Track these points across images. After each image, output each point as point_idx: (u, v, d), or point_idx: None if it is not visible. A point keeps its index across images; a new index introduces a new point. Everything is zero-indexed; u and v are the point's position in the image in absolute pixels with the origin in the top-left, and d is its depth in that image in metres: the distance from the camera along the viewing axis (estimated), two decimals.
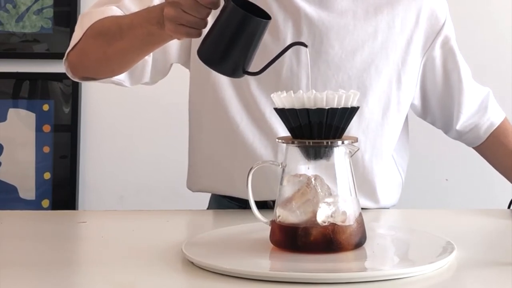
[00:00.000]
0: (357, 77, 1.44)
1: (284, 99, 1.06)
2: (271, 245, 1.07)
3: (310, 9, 1.43)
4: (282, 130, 1.38)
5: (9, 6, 2.43)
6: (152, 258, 1.06)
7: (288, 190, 1.07)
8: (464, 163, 2.28)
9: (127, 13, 1.35)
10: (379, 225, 1.34)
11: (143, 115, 2.41)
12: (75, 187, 2.42)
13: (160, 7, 1.19)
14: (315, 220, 1.03)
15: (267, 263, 1.04)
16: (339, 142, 1.06)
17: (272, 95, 1.08)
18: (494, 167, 1.61)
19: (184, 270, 1.02)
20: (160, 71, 1.48)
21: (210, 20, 1.14)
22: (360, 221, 1.06)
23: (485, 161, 1.62)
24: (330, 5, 1.44)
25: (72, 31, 1.41)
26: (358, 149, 1.08)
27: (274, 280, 0.95)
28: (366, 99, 1.44)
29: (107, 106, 2.43)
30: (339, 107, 1.04)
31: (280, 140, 1.09)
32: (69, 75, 1.42)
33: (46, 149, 2.43)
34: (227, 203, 1.52)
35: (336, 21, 1.43)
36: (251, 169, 1.10)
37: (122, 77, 1.42)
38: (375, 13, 1.46)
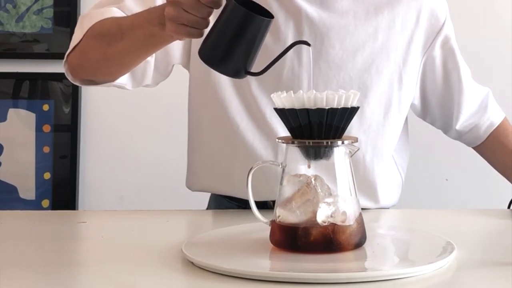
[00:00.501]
0: (358, 77, 1.44)
1: (284, 99, 1.06)
2: (271, 245, 1.07)
3: (311, 10, 1.43)
4: (282, 130, 1.38)
5: (9, 6, 2.43)
6: (152, 258, 1.06)
7: (288, 190, 1.07)
8: (464, 163, 2.27)
9: (129, 14, 1.34)
10: (379, 225, 1.34)
11: (143, 115, 2.41)
12: (75, 187, 2.42)
13: (161, 7, 1.18)
14: (315, 220, 1.03)
15: (267, 263, 1.04)
16: (339, 142, 1.06)
17: (272, 95, 1.08)
18: (494, 167, 1.61)
19: (184, 270, 1.02)
20: (162, 73, 1.48)
21: (212, 20, 1.13)
22: (360, 221, 1.06)
23: (485, 161, 1.62)
24: (331, 5, 1.44)
25: (72, 31, 1.41)
26: (358, 149, 1.08)
27: (274, 280, 0.95)
28: (367, 100, 1.44)
29: (107, 106, 2.43)
30: (339, 107, 1.04)
31: (280, 140, 1.09)
32: (69, 77, 1.41)
33: (46, 149, 2.43)
34: (227, 203, 1.52)
35: (337, 21, 1.43)
36: (251, 169, 1.10)
37: (124, 80, 1.41)
38: (376, 13, 1.46)
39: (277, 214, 1.07)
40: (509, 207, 1.48)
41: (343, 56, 1.43)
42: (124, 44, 1.27)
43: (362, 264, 1.02)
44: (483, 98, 1.59)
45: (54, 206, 2.42)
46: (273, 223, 1.08)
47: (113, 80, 1.39)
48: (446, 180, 2.38)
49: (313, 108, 1.03)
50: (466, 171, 2.33)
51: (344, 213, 1.04)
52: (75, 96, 2.42)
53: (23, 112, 2.44)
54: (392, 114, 1.47)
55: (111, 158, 2.43)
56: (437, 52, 1.52)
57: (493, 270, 1.02)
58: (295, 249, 1.04)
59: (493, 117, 1.58)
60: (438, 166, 2.38)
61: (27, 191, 2.43)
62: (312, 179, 1.05)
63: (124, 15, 1.36)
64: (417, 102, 1.56)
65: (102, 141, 2.44)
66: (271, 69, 1.11)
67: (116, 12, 1.37)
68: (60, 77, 2.37)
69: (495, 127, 1.58)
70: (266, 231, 1.09)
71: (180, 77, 1.54)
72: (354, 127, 1.42)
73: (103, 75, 1.39)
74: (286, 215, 1.05)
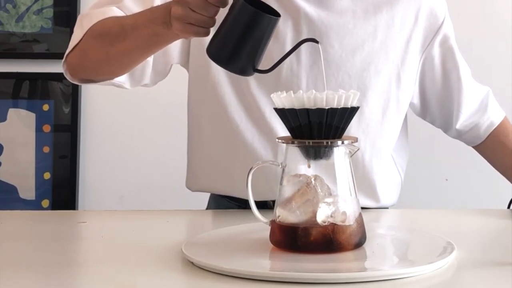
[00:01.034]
0: (357, 76, 1.44)
1: (284, 99, 1.06)
2: (271, 245, 1.07)
3: (309, 9, 1.43)
4: (282, 130, 1.38)
5: (9, 6, 2.43)
6: (152, 258, 1.06)
7: (288, 190, 1.07)
8: (464, 163, 2.27)
9: (129, 14, 1.34)
10: (379, 225, 1.34)
11: (143, 115, 2.41)
12: (75, 187, 2.42)
13: (165, 6, 1.18)
14: (315, 220, 1.03)
15: (267, 263, 1.04)
16: (339, 142, 1.06)
17: (272, 95, 1.08)
18: (494, 167, 1.61)
19: (184, 270, 1.02)
20: (161, 73, 1.48)
21: (218, 19, 1.13)
22: (360, 221, 1.06)
23: (484, 160, 1.62)
24: (330, 4, 1.44)
25: (72, 31, 1.41)
26: (358, 149, 1.08)
27: (274, 280, 0.95)
28: (366, 99, 1.44)
29: (107, 106, 2.43)
30: (339, 107, 1.04)
31: (280, 140, 1.09)
32: (68, 77, 1.41)
33: (46, 149, 2.43)
34: (227, 203, 1.52)
35: (336, 20, 1.43)
36: (251, 169, 1.10)
37: (122, 79, 1.41)
38: (375, 12, 1.46)
39: (277, 214, 1.07)
40: (509, 207, 1.48)
41: (342, 55, 1.43)
42: (127, 43, 1.27)
43: (362, 264, 1.02)
44: (483, 97, 1.59)
45: (54, 206, 2.42)
46: (273, 223, 1.08)
47: (112, 79, 1.39)
48: (446, 180, 2.38)
49: (313, 108, 1.03)
50: (466, 171, 2.33)
51: (344, 213, 1.04)
52: (75, 96, 2.42)
53: (23, 112, 2.44)
54: (390, 113, 1.47)
55: (111, 158, 2.43)
56: (436, 51, 1.52)
57: (493, 270, 1.02)
58: (295, 249, 1.04)
59: (493, 117, 1.58)
60: (438, 166, 2.37)
61: (27, 191, 2.42)
62: (312, 179, 1.05)
63: (124, 14, 1.36)
64: (416, 101, 1.56)
65: (102, 141, 2.44)
66: None
67: (116, 12, 1.37)
68: (60, 77, 2.36)
69: (495, 126, 1.58)
70: (266, 231, 1.09)
71: (179, 77, 1.54)
72: (353, 126, 1.42)
73: (104, 74, 1.38)
74: (286, 215, 1.05)
